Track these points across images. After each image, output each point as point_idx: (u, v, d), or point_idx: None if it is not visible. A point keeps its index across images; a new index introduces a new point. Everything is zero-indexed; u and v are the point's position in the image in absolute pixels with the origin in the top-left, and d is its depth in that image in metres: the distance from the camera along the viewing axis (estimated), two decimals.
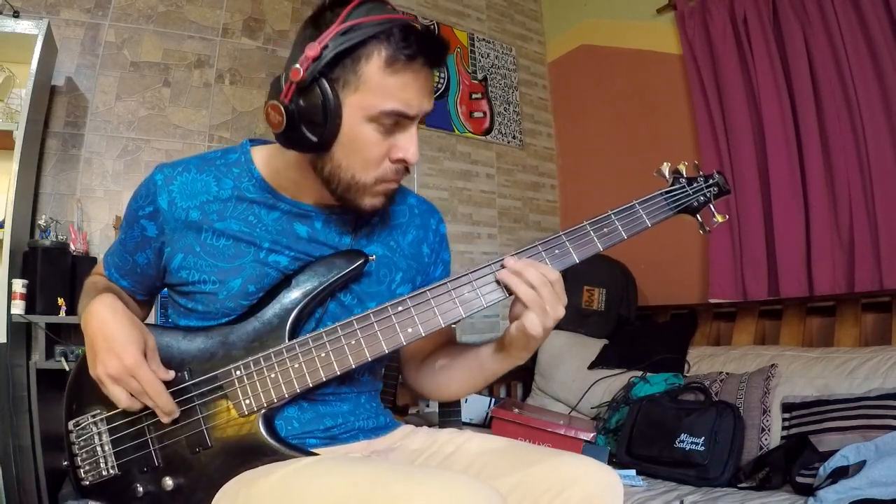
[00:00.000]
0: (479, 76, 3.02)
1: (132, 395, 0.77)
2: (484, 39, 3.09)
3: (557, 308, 0.80)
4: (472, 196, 2.93)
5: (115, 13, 2.16)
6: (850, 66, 2.11)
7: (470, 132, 2.94)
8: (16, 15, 1.80)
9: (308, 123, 0.76)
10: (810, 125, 2.21)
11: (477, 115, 2.98)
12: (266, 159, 0.89)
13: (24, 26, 1.77)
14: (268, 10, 2.49)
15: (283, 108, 0.76)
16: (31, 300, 1.75)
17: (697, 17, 2.58)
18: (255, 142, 0.91)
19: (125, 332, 0.77)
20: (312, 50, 0.73)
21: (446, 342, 1.02)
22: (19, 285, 1.73)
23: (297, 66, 0.74)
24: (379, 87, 0.75)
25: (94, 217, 2.06)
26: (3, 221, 1.72)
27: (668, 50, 2.77)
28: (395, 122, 0.78)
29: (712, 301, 2.44)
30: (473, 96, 2.98)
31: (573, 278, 2.59)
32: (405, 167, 0.82)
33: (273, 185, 0.87)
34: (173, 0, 2.28)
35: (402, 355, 1.04)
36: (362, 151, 0.78)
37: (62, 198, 2.02)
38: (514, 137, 3.12)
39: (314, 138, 0.77)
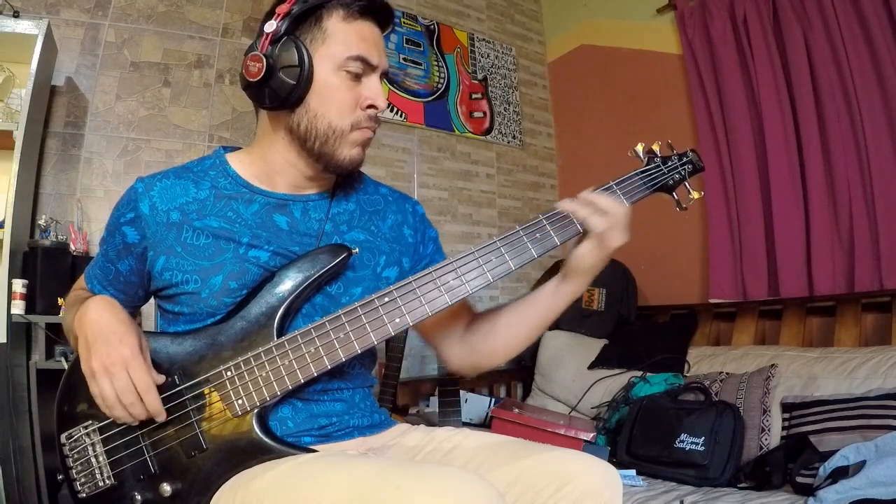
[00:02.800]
0: (479, 76, 3.02)
1: (117, 394, 0.76)
2: (484, 39, 3.09)
3: (626, 233, 0.86)
4: (472, 196, 2.93)
5: (115, 13, 2.16)
6: (850, 66, 2.10)
7: (470, 132, 2.94)
8: (16, 15, 1.80)
9: (285, 69, 0.84)
10: (810, 125, 2.20)
11: (477, 115, 2.98)
12: (240, 158, 0.94)
13: (24, 26, 1.77)
14: None
15: (262, 57, 0.83)
16: (31, 300, 1.75)
17: (697, 17, 2.57)
18: (227, 149, 0.96)
19: (126, 325, 0.79)
20: (282, 8, 0.84)
21: (474, 312, 1.03)
22: (19, 285, 1.72)
23: (272, 21, 0.84)
24: (342, 36, 0.86)
25: (94, 217, 2.05)
26: (3, 221, 1.72)
27: (668, 50, 2.76)
28: (360, 69, 0.86)
29: (712, 301, 2.44)
30: (473, 96, 2.98)
31: None
32: (376, 114, 0.89)
33: (248, 180, 0.91)
34: (173, 0, 2.28)
35: (434, 339, 1.03)
36: (336, 97, 0.86)
37: (62, 198, 2.02)
38: (514, 137, 3.12)
39: (291, 81, 0.83)
